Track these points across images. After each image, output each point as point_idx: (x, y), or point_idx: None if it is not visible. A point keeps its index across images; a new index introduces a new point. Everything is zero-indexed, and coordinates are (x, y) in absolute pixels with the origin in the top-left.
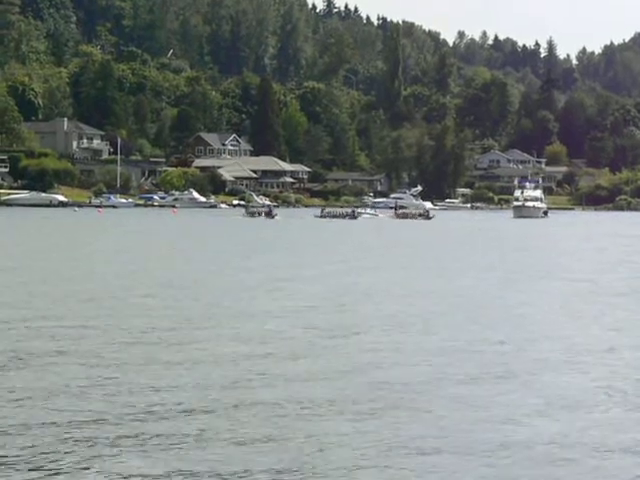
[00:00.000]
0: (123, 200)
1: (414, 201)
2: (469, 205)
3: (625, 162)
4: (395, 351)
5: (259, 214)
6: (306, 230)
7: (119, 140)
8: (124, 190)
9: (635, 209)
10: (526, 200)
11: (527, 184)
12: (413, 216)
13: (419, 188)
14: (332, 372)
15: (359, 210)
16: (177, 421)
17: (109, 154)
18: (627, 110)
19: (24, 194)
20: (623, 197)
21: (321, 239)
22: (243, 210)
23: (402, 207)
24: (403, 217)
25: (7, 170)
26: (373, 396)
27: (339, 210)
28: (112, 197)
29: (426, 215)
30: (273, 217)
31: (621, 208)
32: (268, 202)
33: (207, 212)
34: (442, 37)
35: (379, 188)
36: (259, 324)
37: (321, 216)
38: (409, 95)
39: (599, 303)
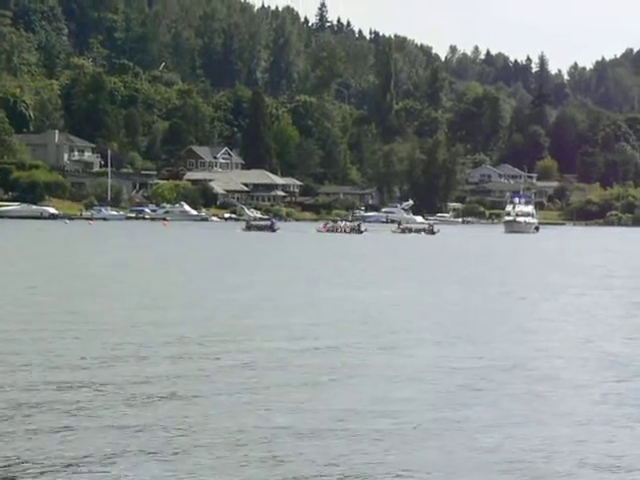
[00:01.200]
0: (114, 213)
1: (405, 215)
2: (460, 219)
3: (616, 177)
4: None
5: (262, 228)
6: (314, 245)
7: (110, 153)
8: (115, 203)
9: (626, 225)
10: (517, 215)
11: (518, 199)
12: (417, 231)
13: (410, 202)
14: None
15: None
16: None
17: (100, 167)
18: (618, 126)
19: (14, 206)
20: (614, 212)
21: (339, 255)
22: (244, 224)
23: (405, 222)
24: (407, 232)
25: None
26: None
27: (343, 224)
28: (103, 210)
29: (430, 230)
30: (275, 231)
31: (612, 223)
32: (259, 215)
33: (206, 225)
34: (434, 52)
35: (370, 202)
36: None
37: (325, 230)
38: (401, 109)
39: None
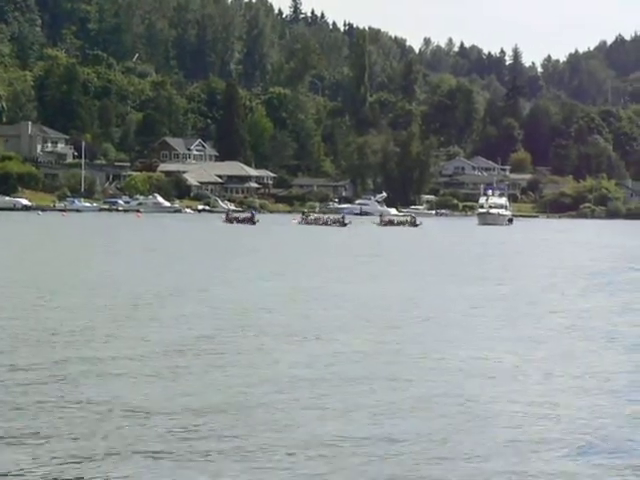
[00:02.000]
0: (87, 204)
1: (379, 207)
2: (434, 212)
3: (589, 170)
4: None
5: (242, 220)
6: (302, 238)
7: (83, 144)
8: (88, 194)
9: (599, 217)
10: (491, 207)
11: (492, 191)
12: (399, 223)
13: (384, 194)
14: None
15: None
16: None
17: (73, 158)
18: (591, 118)
19: None
20: (587, 205)
21: (334, 249)
22: (224, 216)
23: (379, 214)
24: (389, 224)
25: None
26: None
27: (326, 217)
28: (76, 201)
29: (413, 223)
30: (255, 223)
31: (585, 216)
32: (233, 207)
33: (183, 218)
34: (408, 44)
35: (344, 194)
36: None
37: (305, 223)
38: (375, 101)
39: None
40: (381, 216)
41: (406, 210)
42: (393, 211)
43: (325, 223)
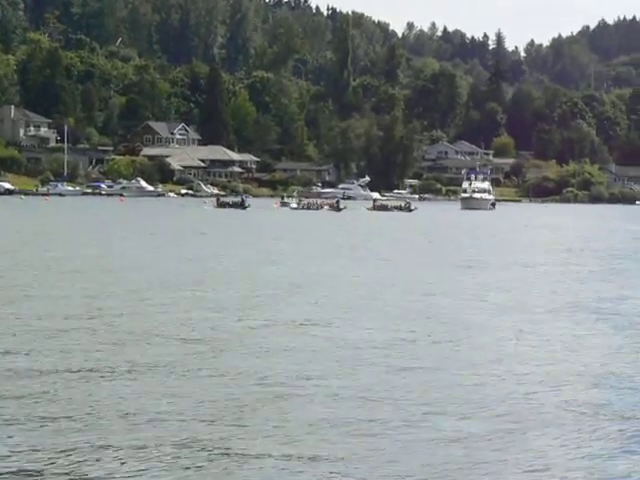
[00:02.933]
0: (70, 188)
1: (362, 191)
2: (417, 196)
3: (572, 154)
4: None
5: (233, 205)
6: (300, 223)
7: (66, 128)
8: (71, 178)
9: (582, 201)
10: (474, 192)
11: (475, 176)
12: (393, 208)
13: (367, 179)
14: None
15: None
16: None
17: (56, 142)
18: (574, 103)
19: None
20: (570, 189)
21: (344, 234)
22: (214, 200)
23: (362, 198)
24: (382, 209)
25: None
26: None
27: (320, 201)
28: (59, 185)
29: (407, 208)
30: (245, 208)
31: (568, 200)
32: (216, 191)
33: (171, 202)
34: (391, 28)
35: (327, 178)
36: None
37: (299, 207)
38: (358, 86)
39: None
40: (374, 201)
41: (389, 194)
42: (376, 195)
43: (319, 207)
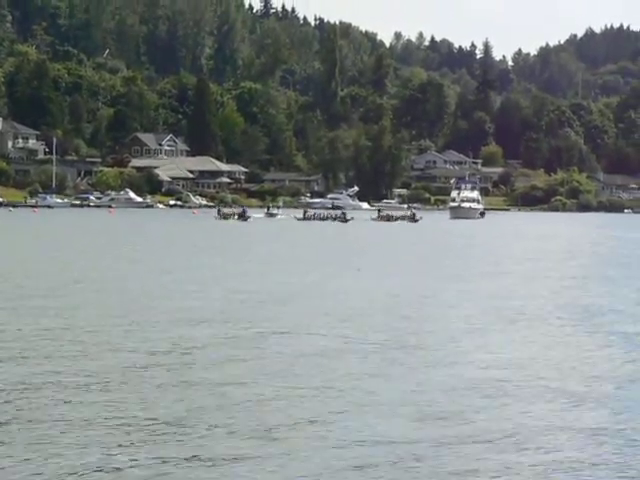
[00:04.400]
0: (59, 200)
1: (351, 201)
2: (406, 206)
3: (560, 163)
4: None
5: (232, 216)
6: (310, 235)
7: (54, 140)
8: (60, 190)
9: (570, 210)
10: (462, 201)
11: (464, 185)
12: (398, 218)
13: (356, 188)
14: None
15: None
16: None
17: (45, 154)
18: (562, 111)
19: None
20: (558, 198)
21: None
22: (215, 212)
23: (351, 208)
24: (387, 219)
25: None
26: None
27: (327, 212)
28: (48, 197)
29: (412, 217)
30: (246, 219)
31: (556, 209)
32: (205, 202)
33: (175, 214)
34: (379, 38)
35: (316, 188)
36: None
37: (304, 218)
38: (346, 96)
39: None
40: (379, 211)
41: (378, 204)
42: (365, 205)
43: (325, 219)
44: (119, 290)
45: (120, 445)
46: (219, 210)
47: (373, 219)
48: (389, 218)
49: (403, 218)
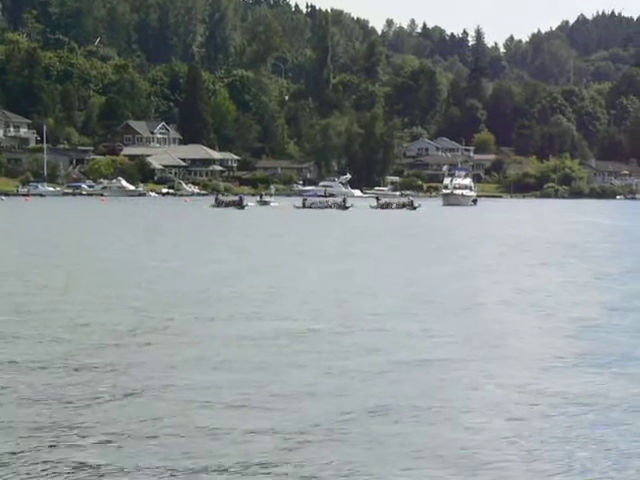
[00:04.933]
0: (51, 189)
1: (343, 189)
2: (398, 193)
3: (552, 150)
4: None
5: (230, 204)
6: (316, 223)
7: (46, 128)
8: (52, 179)
9: (562, 197)
10: (455, 188)
11: (457, 172)
12: (397, 206)
13: (348, 176)
14: None
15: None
16: None
17: (36, 142)
18: (554, 98)
19: None
20: (550, 185)
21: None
22: (212, 200)
23: (343, 195)
24: (386, 207)
25: None
26: None
27: (325, 200)
28: (40, 186)
29: (410, 204)
30: (243, 207)
31: (548, 195)
32: (197, 190)
33: (169, 202)
34: (371, 25)
35: (308, 176)
36: None
37: (303, 206)
38: (338, 83)
39: None
40: (378, 198)
41: (370, 191)
42: (357, 192)
43: (324, 206)
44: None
45: None
46: (216, 198)
47: (372, 207)
48: (388, 205)
49: (402, 206)
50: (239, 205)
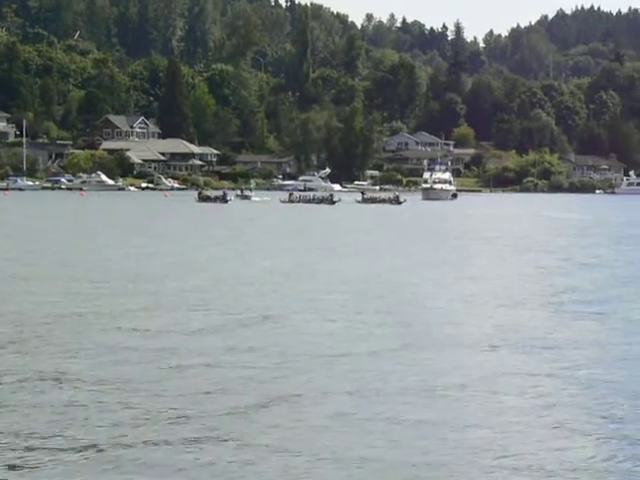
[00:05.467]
0: (30, 183)
1: (323, 183)
2: (378, 187)
3: (532, 144)
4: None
5: (214, 199)
6: (313, 219)
7: (25, 122)
8: (31, 173)
9: (542, 191)
10: (435, 182)
11: (436, 166)
12: (382, 201)
13: (327, 170)
14: None
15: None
16: None
17: (15, 137)
18: (533, 92)
19: None
20: (530, 179)
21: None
22: (195, 195)
23: (322, 190)
24: (371, 202)
25: None
26: None
27: (312, 195)
28: (19, 180)
29: (396, 200)
30: (227, 202)
31: (528, 190)
32: (177, 184)
33: (152, 197)
34: (350, 19)
35: (288, 170)
36: None
37: (290, 201)
38: (318, 77)
39: None
40: (363, 193)
41: (350, 186)
42: (337, 187)
43: (311, 201)
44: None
45: None
46: (200, 193)
47: (357, 201)
48: (373, 200)
49: (387, 201)
50: (223, 200)
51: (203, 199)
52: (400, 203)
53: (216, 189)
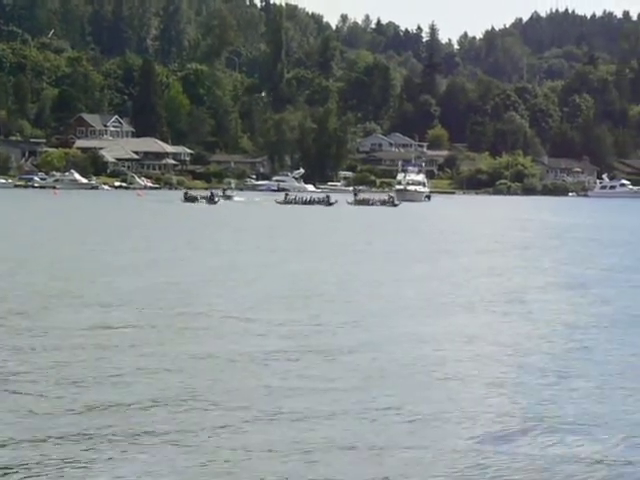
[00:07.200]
0: (2, 181)
1: (296, 184)
2: (351, 188)
3: (505, 147)
4: None
5: (200, 200)
6: (312, 221)
7: None
8: (3, 171)
9: (515, 193)
10: (408, 184)
11: (410, 168)
12: (375, 202)
13: (301, 171)
14: None
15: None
16: None
17: None
18: (507, 95)
19: None
20: (503, 181)
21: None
22: (181, 195)
23: (296, 190)
24: (364, 203)
25: None
26: None
27: (309, 196)
28: None
29: (391, 202)
30: (215, 203)
31: (501, 192)
32: (150, 184)
33: (126, 196)
34: (325, 20)
35: (262, 170)
36: None
37: (285, 202)
38: (292, 78)
39: None
40: (355, 195)
41: (324, 186)
42: (310, 187)
43: (307, 202)
44: None
45: None
46: (186, 193)
47: (349, 203)
48: (366, 202)
49: (382, 203)
50: (211, 200)
51: (189, 200)
52: (396, 205)
53: (189, 188)
